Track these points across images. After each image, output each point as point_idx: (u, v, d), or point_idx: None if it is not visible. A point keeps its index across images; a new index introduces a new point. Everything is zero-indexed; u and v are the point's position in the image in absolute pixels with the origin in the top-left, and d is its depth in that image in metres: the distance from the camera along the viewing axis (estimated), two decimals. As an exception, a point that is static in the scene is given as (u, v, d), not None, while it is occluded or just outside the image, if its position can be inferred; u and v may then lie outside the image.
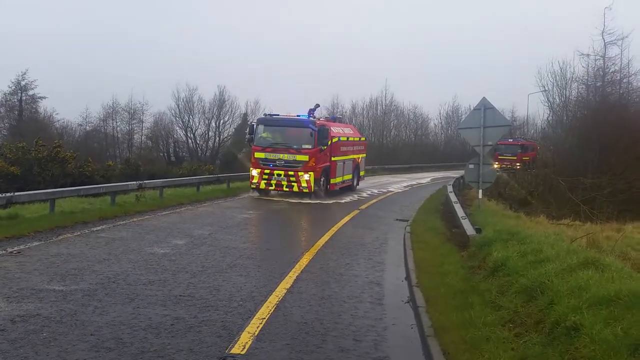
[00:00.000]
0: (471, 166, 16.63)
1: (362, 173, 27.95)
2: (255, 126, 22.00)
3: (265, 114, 22.74)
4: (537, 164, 34.12)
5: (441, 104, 75.84)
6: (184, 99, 59.51)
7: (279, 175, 20.74)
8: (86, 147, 35.87)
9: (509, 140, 42.86)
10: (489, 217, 15.23)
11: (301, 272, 9.37)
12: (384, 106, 64.23)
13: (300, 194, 20.94)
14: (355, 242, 12.55)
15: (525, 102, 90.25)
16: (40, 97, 52.07)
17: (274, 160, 20.82)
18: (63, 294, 7.43)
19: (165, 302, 7.30)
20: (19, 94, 51.28)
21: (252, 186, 21.38)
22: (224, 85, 60.50)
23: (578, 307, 5.82)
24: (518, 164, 39.08)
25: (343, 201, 21.63)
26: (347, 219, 16.53)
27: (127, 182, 20.64)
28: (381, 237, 13.56)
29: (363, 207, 20.12)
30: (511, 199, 23.08)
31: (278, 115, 22.33)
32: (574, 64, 53.05)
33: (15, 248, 10.12)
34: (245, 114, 56.33)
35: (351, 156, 25.17)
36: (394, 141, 63.76)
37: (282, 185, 20.86)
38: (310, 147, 20.69)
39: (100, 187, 18.10)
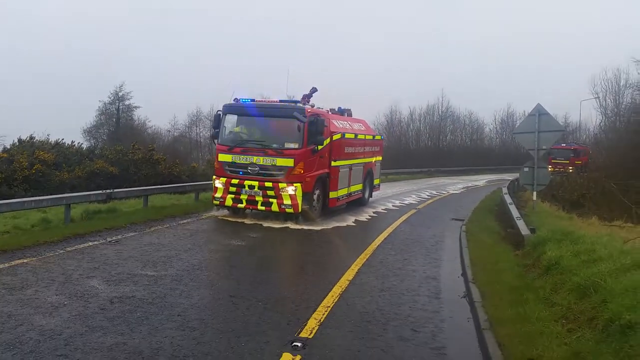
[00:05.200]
0: (526, 169, 16.06)
1: (376, 181, 19.80)
2: (220, 116, 14.36)
3: (235, 99, 14.56)
4: (590, 168, 32.53)
5: (496, 110, 71.95)
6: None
7: (251, 187, 13.42)
8: (174, 151, 37.04)
9: (562, 144, 40.99)
10: (542, 218, 14.65)
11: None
12: (440, 112, 62.17)
13: (283, 215, 13.54)
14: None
15: (578, 108, 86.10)
16: (135, 107, 54.37)
17: (244, 166, 13.55)
18: (154, 279, 7.73)
19: (239, 289, 7.46)
20: (117, 104, 53.81)
21: (215, 202, 13.98)
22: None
23: (633, 306, 5.51)
24: (570, 167, 37.38)
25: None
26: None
27: (208, 181, 20.52)
28: (438, 234, 13.30)
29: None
30: (564, 201, 21.99)
31: (252, 100, 14.59)
32: (628, 71, 49.97)
33: (114, 237, 10.62)
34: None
35: (361, 159, 17.37)
36: (449, 145, 61.64)
37: (257, 202, 13.44)
38: (297, 146, 13.30)
39: (186, 185, 18.61)
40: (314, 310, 6.61)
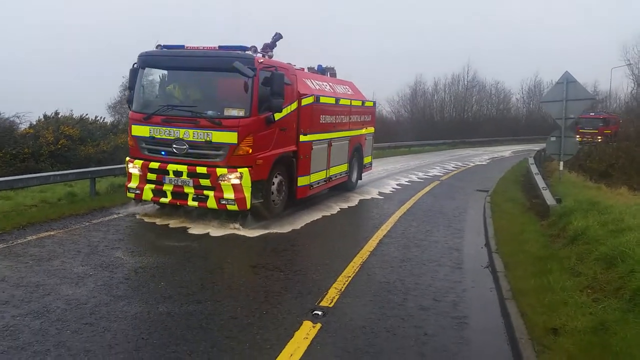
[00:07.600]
0: (553, 139, 15.62)
1: (367, 159, 15.57)
2: (137, 71, 10.24)
3: (158, 45, 10.14)
4: (619, 137, 31.72)
5: (523, 79, 69.58)
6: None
7: (177, 174, 9.42)
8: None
9: (591, 113, 39.90)
10: (569, 188, 14.42)
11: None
12: (466, 82, 60.10)
13: (226, 213, 9.60)
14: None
15: (608, 77, 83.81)
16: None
17: (167, 143, 9.50)
18: (178, 249, 7.83)
19: (260, 259, 7.53)
20: (140, 79, 54.00)
21: (130, 194, 9.97)
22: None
23: (662, 277, 5.38)
24: (599, 137, 36.47)
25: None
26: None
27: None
28: (462, 205, 13.17)
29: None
30: (592, 172, 21.54)
31: (181, 47, 9.93)
32: (664, 36, 48.06)
33: (139, 210, 10.77)
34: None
35: (345, 132, 13.26)
36: (475, 116, 59.71)
37: (186, 195, 9.44)
38: (242, 113, 9.21)
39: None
40: (335, 280, 6.65)
